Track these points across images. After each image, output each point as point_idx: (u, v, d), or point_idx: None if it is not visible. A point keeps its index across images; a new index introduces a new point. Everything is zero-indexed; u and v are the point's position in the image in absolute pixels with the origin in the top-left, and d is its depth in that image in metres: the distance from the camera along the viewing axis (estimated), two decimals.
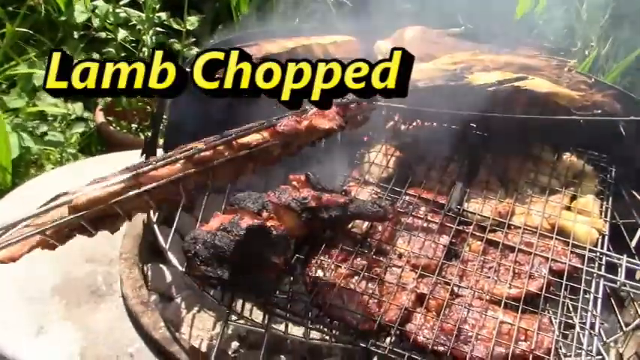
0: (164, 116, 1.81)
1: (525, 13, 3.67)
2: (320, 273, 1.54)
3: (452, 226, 1.69)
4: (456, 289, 1.55)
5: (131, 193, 1.32)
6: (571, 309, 1.54)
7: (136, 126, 3.71)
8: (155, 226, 1.64)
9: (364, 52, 1.97)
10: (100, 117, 3.52)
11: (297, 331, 1.56)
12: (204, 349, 1.61)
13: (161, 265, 1.88)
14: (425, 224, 1.71)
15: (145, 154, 1.74)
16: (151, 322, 1.64)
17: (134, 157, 1.80)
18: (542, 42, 3.41)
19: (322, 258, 1.57)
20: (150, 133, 1.75)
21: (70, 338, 1.63)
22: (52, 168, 3.09)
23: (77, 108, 3.36)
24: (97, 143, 3.58)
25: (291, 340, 1.68)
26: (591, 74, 3.32)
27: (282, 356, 1.66)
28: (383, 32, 2.03)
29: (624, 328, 1.55)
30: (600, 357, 1.41)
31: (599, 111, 1.81)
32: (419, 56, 1.89)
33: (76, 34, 3.76)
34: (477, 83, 1.77)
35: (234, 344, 1.68)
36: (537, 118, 1.77)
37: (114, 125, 3.59)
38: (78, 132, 3.25)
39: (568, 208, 1.80)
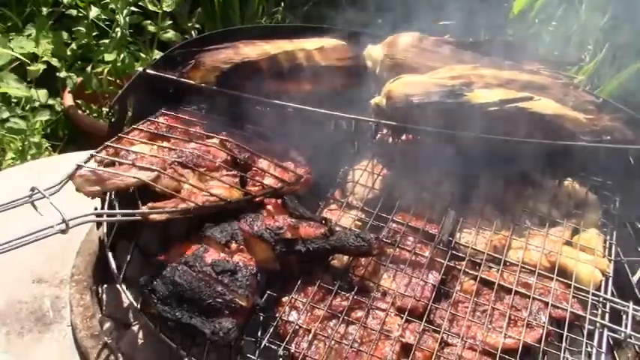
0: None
1: (522, 10, 3.51)
2: (294, 315, 1.36)
3: (442, 261, 1.52)
4: (445, 335, 1.39)
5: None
6: None
7: (107, 110, 3.49)
8: (109, 253, 1.45)
9: (353, 59, 1.78)
10: (68, 100, 3.32)
11: None
12: None
13: (118, 286, 1.69)
14: (413, 257, 1.54)
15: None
16: None
17: None
18: (539, 43, 3.27)
19: (297, 297, 1.40)
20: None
21: None
22: (13, 157, 2.88)
23: (42, 95, 3.13)
24: (64, 128, 3.36)
25: None
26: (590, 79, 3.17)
27: None
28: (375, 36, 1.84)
29: None
30: None
31: (609, 137, 1.65)
32: (414, 66, 1.72)
33: (44, 10, 3.52)
34: (477, 102, 1.59)
35: None
36: (543, 143, 1.59)
37: (83, 109, 3.38)
38: (42, 119, 3.02)
39: (569, 243, 1.64)
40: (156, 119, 1.66)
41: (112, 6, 3.37)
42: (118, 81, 3.46)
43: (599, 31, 3.50)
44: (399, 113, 1.61)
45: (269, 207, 1.49)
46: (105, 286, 1.70)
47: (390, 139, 1.84)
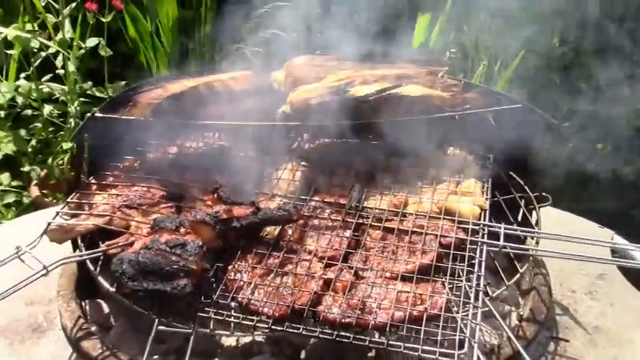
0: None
1: (422, 42, 4.05)
2: (238, 275, 1.72)
3: (352, 221, 1.90)
4: (360, 272, 1.75)
5: None
6: (461, 273, 1.75)
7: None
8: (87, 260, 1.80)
9: (261, 83, 2.22)
10: (34, 191, 3.61)
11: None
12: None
13: (98, 300, 2.02)
14: (329, 223, 1.91)
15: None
16: (90, 345, 1.78)
17: None
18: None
19: (239, 262, 1.75)
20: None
21: None
22: None
23: (4, 178, 3.46)
24: None
25: (222, 347, 1.84)
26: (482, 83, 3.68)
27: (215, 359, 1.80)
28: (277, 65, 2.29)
29: (507, 283, 1.78)
30: (487, 308, 1.63)
31: (469, 106, 2.08)
32: (308, 79, 2.15)
33: (2, 113, 3.85)
34: (359, 94, 2.02)
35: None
36: (415, 119, 2.01)
37: (49, 198, 3.69)
38: (10, 201, 3.35)
39: (454, 193, 2.04)
40: (104, 172, 2.12)
41: (63, 99, 3.74)
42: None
43: (487, 49, 4.06)
44: (301, 115, 2.03)
45: (208, 202, 1.87)
46: (87, 301, 2.02)
47: (306, 145, 2.26)
